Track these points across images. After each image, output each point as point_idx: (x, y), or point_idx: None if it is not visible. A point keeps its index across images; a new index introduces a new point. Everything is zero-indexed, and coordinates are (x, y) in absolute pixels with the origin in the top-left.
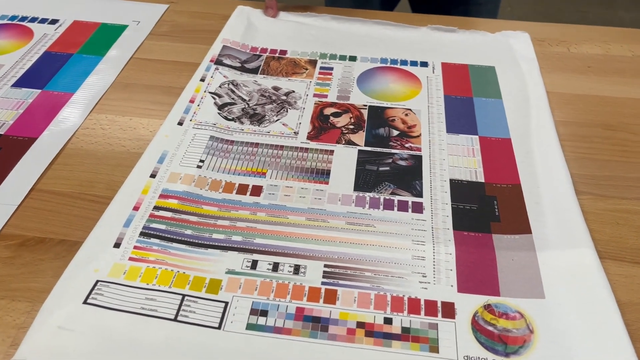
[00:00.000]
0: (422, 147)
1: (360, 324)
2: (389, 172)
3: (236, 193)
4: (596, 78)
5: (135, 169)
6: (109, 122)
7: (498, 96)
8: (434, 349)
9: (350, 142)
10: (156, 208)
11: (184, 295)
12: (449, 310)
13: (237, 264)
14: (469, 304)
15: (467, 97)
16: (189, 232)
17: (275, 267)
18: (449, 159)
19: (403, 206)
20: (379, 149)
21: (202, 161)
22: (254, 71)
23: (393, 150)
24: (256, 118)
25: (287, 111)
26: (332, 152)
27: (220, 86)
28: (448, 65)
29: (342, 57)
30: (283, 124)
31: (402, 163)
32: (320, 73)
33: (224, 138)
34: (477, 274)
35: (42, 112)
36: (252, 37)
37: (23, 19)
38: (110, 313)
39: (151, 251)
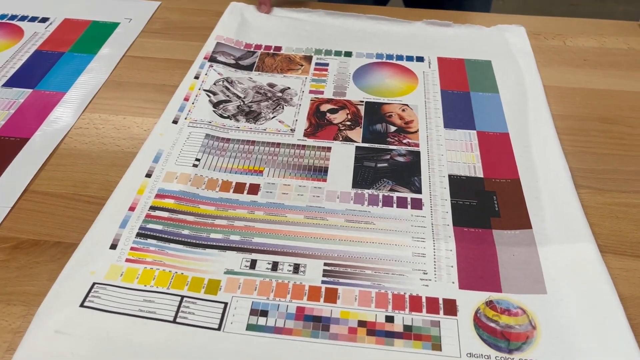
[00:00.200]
0: (420, 143)
1: (362, 323)
2: (387, 168)
3: (233, 192)
4: (592, 71)
5: (130, 169)
6: (102, 121)
7: (495, 90)
8: (437, 346)
9: (347, 139)
10: (152, 208)
11: (182, 297)
12: (450, 308)
13: (236, 263)
14: (470, 301)
15: (464, 92)
16: (186, 232)
17: (275, 266)
18: (447, 154)
19: (402, 203)
20: (376, 145)
21: (198, 160)
22: (249, 68)
23: (391, 147)
24: (252, 115)
25: (283, 108)
26: (329, 149)
27: (214, 83)
28: (444, 59)
29: (338, 53)
30: (279, 121)
31: (400, 159)
32: (315, 69)
33: (219, 136)
34: (478, 270)
35: (34, 112)
36: (246, 33)
37: (13, 17)
38: (108, 316)
39: (148, 252)
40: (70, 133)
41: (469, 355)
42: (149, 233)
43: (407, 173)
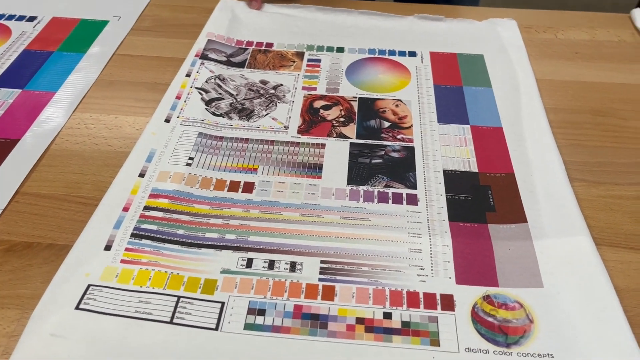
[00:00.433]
0: (414, 138)
1: (360, 320)
2: (382, 164)
3: (228, 190)
4: (584, 64)
5: (123, 169)
6: (93, 121)
7: (488, 84)
8: (435, 342)
9: (341, 135)
10: (146, 208)
11: (179, 297)
12: (448, 303)
13: (232, 263)
14: (468, 296)
15: (457, 86)
16: (181, 231)
17: (271, 264)
18: (442, 149)
19: (397, 198)
20: (370, 141)
21: (191, 158)
22: (241, 65)
23: (385, 142)
24: (245, 113)
25: (276, 105)
26: (323, 145)
27: (206, 81)
28: (436, 54)
29: (330, 49)
30: (273, 119)
31: (395, 155)
32: (308, 65)
33: (212, 134)
34: (474, 265)
35: (24, 112)
36: (237, 30)
37: (0, 16)
38: (103, 318)
39: (143, 253)
40: (61, 133)
41: (467, 350)
42: (143, 233)
43: (402, 169)
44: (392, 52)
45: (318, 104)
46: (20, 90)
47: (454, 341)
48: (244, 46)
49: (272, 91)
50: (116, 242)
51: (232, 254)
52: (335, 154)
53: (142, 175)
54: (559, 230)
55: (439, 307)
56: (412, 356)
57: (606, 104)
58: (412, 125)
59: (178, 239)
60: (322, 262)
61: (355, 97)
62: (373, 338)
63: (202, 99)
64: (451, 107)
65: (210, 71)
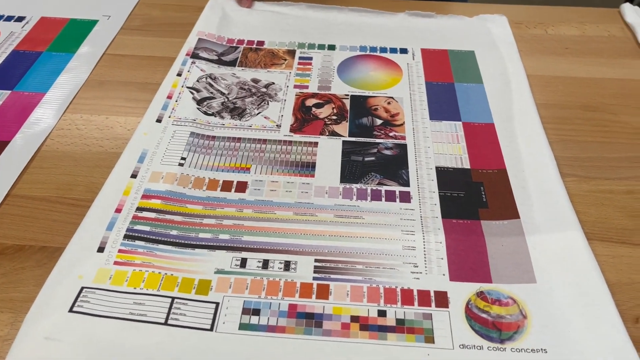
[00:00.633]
0: (406, 136)
1: (355, 318)
2: (375, 162)
3: (221, 190)
4: (574, 59)
5: (115, 170)
6: (84, 121)
7: (479, 81)
8: (430, 339)
9: (334, 133)
10: (139, 209)
11: (173, 298)
12: (442, 300)
13: (226, 263)
14: (461, 293)
15: (449, 83)
16: (174, 232)
17: (265, 264)
18: (434, 146)
19: (390, 196)
20: (363, 139)
21: (183, 159)
22: (232, 64)
23: (377, 140)
24: (237, 112)
25: (268, 104)
26: (316, 144)
27: (197, 80)
28: (428, 51)
29: (321, 47)
30: (265, 117)
31: (388, 152)
32: (299, 63)
33: (204, 134)
34: (468, 261)
35: (13, 113)
36: (227, 28)
37: None
38: (98, 320)
39: (137, 254)
40: (51, 135)
41: (461, 346)
42: (136, 234)
43: (395, 166)
44: (383, 49)
45: (310, 102)
46: (9, 92)
47: (448, 338)
48: (234, 44)
49: (264, 90)
50: (109, 244)
51: (226, 254)
52: (328, 152)
53: (134, 176)
54: (551, 226)
55: (433, 304)
56: (407, 353)
57: (596, 99)
58: (404, 122)
59: (171, 240)
60: (316, 260)
61: (347, 95)
62: (368, 336)
63: (194, 98)
64: (443, 104)
65: (202, 70)
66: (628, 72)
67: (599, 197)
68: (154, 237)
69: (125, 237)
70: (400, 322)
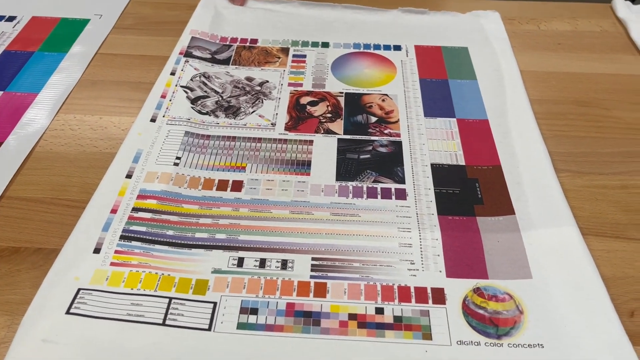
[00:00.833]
0: (401, 133)
1: (352, 316)
2: (370, 159)
3: (216, 189)
4: (567, 55)
5: (110, 170)
6: (77, 122)
7: (473, 77)
8: (427, 336)
9: (329, 131)
10: (135, 209)
11: (170, 298)
12: (439, 296)
13: (223, 262)
14: (458, 289)
15: (442, 80)
16: (170, 232)
17: (262, 263)
18: (429, 143)
19: (386, 193)
20: (358, 137)
21: (178, 158)
22: (226, 62)
23: (372, 137)
24: (231, 111)
25: (262, 102)
26: (311, 142)
27: (191, 79)
28: (421, 47)
29: (315, 44)
30: (259, 116)
31: (383, 150)
32: (293, 61)
33: (199, 133)
34: (464, 258)
35: (6, 114)
36: (220, 27)
37: None
38: (95, 322)
39: (133, 255)
40: (45, 135)
41: (459, 342)
42: (132, 235)
43: (390, 163)
44: (377, 47)
45: (304, 100)
46: (1, 92)
47: (445, 334)
48: (228, 43)
49: (258, 88)
50: (105, 245)
51: (223, 253)
52: (324, 151)
53: (129, 176)
54: (546, 222)
55: (430, 301)
56: (405, 350)
57: (589, 94)
58: (398, 119)
59: (168, 240)
60: (313, 259)
61: (342, 93)
62: (366, 334)
63: (188, 97)
64: (437, 101)
65: (195, 69)
66: (620, 67)
67: (593, 192)
68: (150, 238)
69: (122, 237)
70: (397, 319)
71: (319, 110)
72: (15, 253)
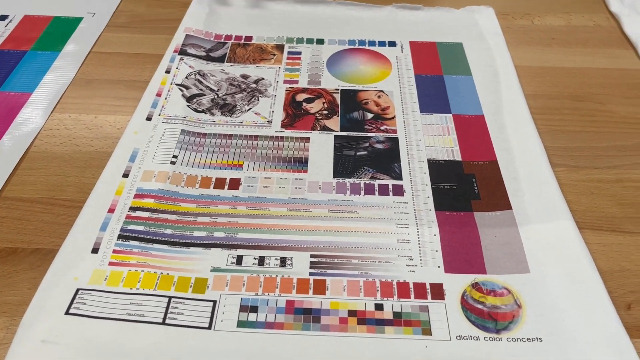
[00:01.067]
0: (397, 129)
1: (352, 312)
2: (367, 156)
3: (214, 188)
4: (561, 49)
5: (106, 170)
6: (73, 121)
7: (468, 73)
8: (427, 331)
9: (325, 128)
10: (132, 209)
11: (170, 297)
12: (438, 292)
13: (222, 260)
14: (457, 284)
15: (438, 76)
16: (168, 231)
17: (261, 261)
18: (425, 139)
19: (384, 190)
20: (354, 134)
21: (175, 157)
22: (221, 60)
23: (369, 134)
24: (227, 108)
25: (258, 99)
26: (308, 139)
27: (186, 77)
28: (416, 43)
29: (310, 41)
30: (255, 113)
31: (379, 146)
32: (288, 58)
33: (195, 131)
34: (462, 253)
35: (0, 115)
36: (215, 24)
37: None
38: (95, 322)
39: (131, 254)
40: (40, 135)
41: (458, 337)
42: (130, 234)
43: (387, 160)
44: (372, 43)
45: (300, 97)
46: None
47: (445, 329)
48: (222, 40)
49: (254, 85)
50: (103, 245)
51: (222, 251)
52: (320, 148)
53: (125, 175)
54: (542, 216)
55: (429, 297)
56: (404, 346)
57: (584, 89)
58: (395, 116)
59: (166, 239)
60: (312, 256)
61: (338, 89)
62: (366, 330)
63: (183, 95)
64: (433, 97)
65: (190, 67)
66: (614, 61)
67: (589, 186)
68: (148, 237)
69: (120, 237)
70: (397, 315)
71: (315, 107)
72: (13, 254)
